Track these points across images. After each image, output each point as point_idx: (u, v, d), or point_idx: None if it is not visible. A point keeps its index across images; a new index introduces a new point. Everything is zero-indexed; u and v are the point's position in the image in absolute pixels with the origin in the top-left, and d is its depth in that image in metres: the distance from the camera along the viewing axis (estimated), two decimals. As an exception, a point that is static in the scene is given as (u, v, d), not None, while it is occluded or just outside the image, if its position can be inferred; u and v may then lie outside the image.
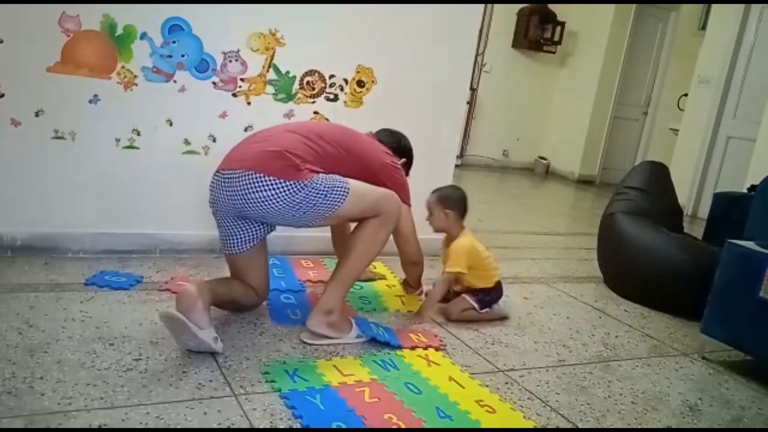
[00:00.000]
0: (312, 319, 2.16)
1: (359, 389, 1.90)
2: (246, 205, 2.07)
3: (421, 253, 2.57)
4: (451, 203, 2.60)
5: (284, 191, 2.03)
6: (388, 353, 2.17)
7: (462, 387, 2.01)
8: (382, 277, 2.91)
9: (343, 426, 1.70)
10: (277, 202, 2.04)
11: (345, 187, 2.11)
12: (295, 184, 2.03)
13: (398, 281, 2.86)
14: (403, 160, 2.57)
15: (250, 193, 2.04)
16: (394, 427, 1.74)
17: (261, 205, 2.05)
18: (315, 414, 1.74)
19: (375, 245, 2.19)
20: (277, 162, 2.04)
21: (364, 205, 2.15)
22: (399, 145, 2.57)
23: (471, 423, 1.82)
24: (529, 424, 1.86)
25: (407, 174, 2.55)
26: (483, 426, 1.81)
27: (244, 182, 2.04)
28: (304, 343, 2.14)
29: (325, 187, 2.07)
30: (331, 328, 2.17)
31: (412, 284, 2.72)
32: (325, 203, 2.08)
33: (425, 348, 2.24)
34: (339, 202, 2.09)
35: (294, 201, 2.05)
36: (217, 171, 2.16)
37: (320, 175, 2.09)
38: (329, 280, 2.23)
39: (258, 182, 2.03)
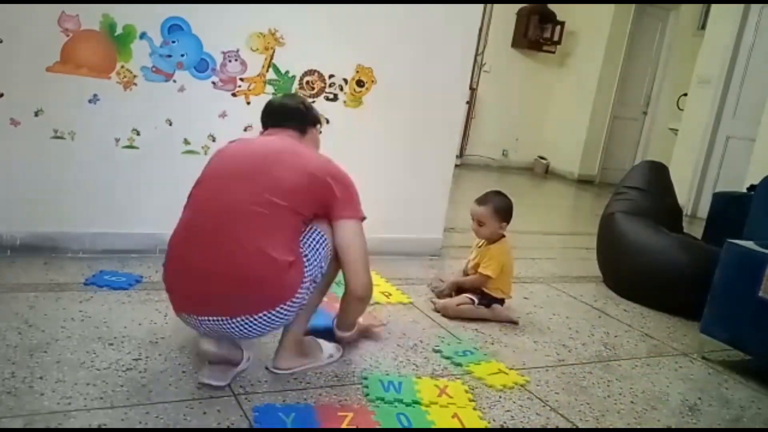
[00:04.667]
0: (282, 359, 1.93)
1: (342, 413, 1.74)
2: (251, 337, 1.81)
3: (371, 285, 1.93)
4: (507, 215, 2.64)
5: (288, 311, 1.77)
6: (401, 376, 2.00)
7: (462, 425, 1.78)
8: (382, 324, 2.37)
9: None
10: (286, 317, 1.79)
11: (326, 240, 1.85)
12: (296, 298, 1.76)
13: (401, 294, 2.70)
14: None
15: (250, 332, 1.76)
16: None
17: (269, 329, 1.80)
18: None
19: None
20: (260, 294, 1.72)
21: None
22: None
23: None
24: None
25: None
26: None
27: (235, 326, 1.73)
28: (275, 371, 1.92)
29: (315, 266, 1.81)
30: (304, 356, 1.98)
31: (344, 326, 2.10)
32: (322, 261, 1.84)
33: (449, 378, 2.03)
34: (328, 253, 1.86)
35: (302, 301, 1.80)
36: (191, 314, 1.76)
37: (305, 267, 1.78)
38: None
39: (254, 322, 1.73)
